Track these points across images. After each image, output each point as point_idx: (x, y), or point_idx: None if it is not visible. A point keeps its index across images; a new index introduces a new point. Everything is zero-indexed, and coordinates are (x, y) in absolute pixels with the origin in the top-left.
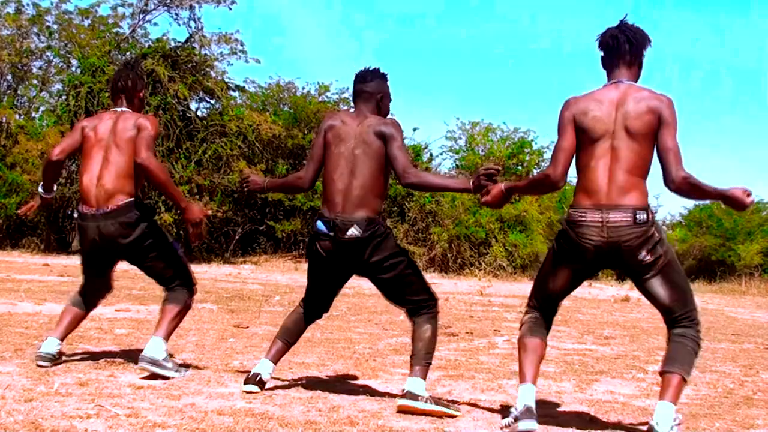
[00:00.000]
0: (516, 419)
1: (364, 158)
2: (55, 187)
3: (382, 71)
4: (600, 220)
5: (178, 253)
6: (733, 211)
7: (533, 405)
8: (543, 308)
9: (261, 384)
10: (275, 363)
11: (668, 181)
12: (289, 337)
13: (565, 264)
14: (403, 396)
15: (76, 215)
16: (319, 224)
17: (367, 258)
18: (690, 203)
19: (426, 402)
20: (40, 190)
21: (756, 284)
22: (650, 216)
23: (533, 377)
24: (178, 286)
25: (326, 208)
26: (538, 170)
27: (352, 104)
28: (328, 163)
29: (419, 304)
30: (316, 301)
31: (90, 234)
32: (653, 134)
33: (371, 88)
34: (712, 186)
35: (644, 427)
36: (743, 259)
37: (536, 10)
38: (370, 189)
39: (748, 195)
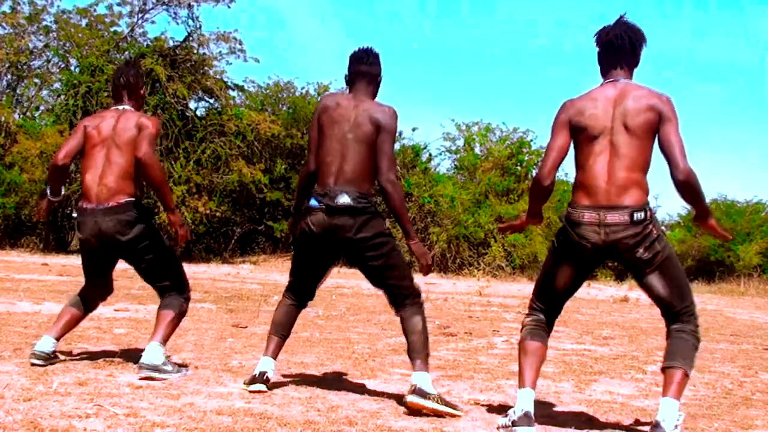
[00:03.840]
0: (514, 423)
1: (355, 143)
2: (63, 190)
3: (376, 51)
4: (597, 220)
5: (175, 257)
6: (731, 212)
7: (531, 410)
8: (546, 310)
9: (267, 382)
10: (275, 359)
11: (677, 172)
12: (283, 330)
13: (566, 261)
14: (412, 392)
15: (74, 214)
16: (312, 200)
17: (354, 233)
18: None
19: (435, 401)
20: (48, 194)
21: (755, 285)
22: (648, 214)
23: (532, 382)
24: (172, 292)
25: (318, 187)
26: (537, 171)
27: (347, 86)
28: (322, 147)
29: (402, 290)
30: (301, 288)
31: (88, 229)
32: (653, 132)
33: (375, 70)
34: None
35: (644, 428)
36: (742, 259)
37: (534, 9)
38: (360, 172)
39: (719, 233)
